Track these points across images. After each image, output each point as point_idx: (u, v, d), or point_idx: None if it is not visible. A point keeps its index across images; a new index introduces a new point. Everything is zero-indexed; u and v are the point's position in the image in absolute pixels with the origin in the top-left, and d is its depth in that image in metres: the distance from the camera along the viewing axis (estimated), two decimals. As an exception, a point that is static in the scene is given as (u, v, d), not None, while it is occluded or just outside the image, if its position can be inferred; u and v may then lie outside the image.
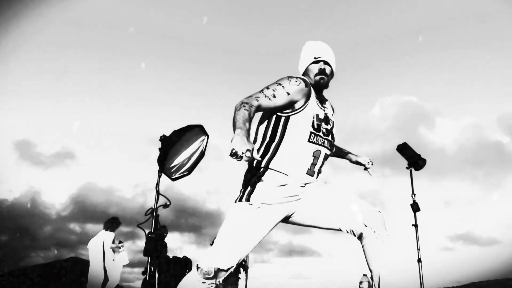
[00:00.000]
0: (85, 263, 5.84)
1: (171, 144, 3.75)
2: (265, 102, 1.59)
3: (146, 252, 3.43)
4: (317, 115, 1.76)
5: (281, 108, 1.69)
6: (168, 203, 3.57)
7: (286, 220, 1.79)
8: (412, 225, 4.32)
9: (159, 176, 3.64)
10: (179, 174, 3.89)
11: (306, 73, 1.88)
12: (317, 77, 1.81)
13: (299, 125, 1.72)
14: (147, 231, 3.48)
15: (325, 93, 1.94)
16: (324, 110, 1.83)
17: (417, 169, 4.54)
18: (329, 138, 1.82)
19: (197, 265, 1.64)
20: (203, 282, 1.62)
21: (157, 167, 3.67)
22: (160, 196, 3.57)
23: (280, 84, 1.66)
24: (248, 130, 1.38)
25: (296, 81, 1.71)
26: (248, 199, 1.66)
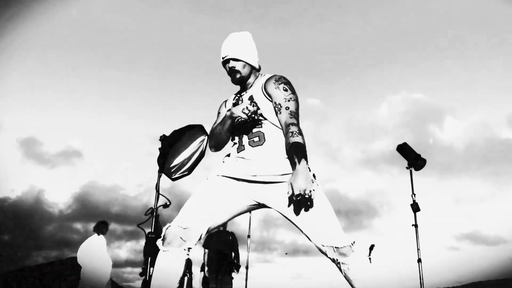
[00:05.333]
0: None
1: (171, 144, 3.75)
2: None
3: (145, 252, 3.43)
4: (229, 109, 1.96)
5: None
6: (168, 203, 3.57)
7: (259, 204, 1.84)
8: (412, 225, 4.33)
9: (159, 176, 3.64)
10: (179, 174, 3.89)
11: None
12: (231, 77, 1.95)
13: None
14: (147, 231, 3.49)
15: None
16: (237, 99, 1.99)
17: (417, 169, 4.55)
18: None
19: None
20: (165, 250, 1.67)
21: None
22: (161, 196, 3.57)
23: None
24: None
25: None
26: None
